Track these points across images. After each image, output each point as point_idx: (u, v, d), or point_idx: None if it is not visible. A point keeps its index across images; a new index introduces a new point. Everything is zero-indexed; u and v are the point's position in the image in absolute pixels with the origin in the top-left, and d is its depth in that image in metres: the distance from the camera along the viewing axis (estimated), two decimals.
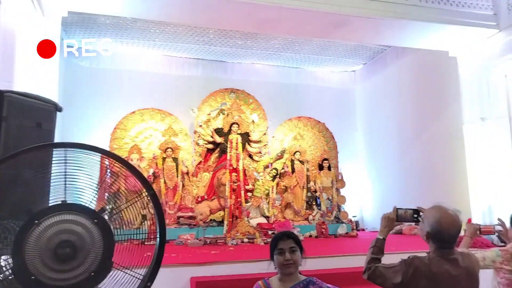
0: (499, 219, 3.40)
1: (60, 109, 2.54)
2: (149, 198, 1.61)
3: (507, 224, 3.17)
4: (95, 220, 1.48)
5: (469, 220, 6.03)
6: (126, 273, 1.57)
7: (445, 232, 2.07)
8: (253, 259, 5.30)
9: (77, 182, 1.52)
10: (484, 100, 7.12)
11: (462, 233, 3.41)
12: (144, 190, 1.62)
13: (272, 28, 6.85)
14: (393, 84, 10.34)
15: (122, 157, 7.74)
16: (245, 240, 7.52)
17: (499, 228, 3.25)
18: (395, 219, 2.38)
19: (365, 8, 6.29)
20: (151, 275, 1.61)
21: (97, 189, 1.55)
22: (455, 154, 7.89)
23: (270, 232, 8.31)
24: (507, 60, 6.78)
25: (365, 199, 11.28)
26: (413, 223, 2.41)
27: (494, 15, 6.94)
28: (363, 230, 10.62)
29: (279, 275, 2.28)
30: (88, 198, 1.54)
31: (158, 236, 1.62)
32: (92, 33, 9.31)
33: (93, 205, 1.54)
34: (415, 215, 2.38)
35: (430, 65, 8.89)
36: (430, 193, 8.72)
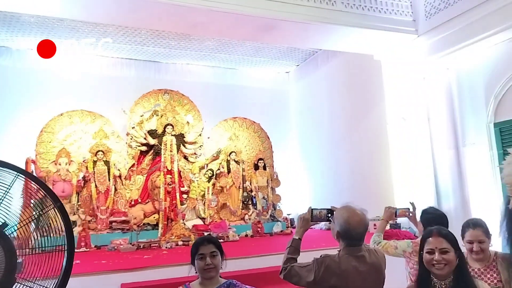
0: (411, 203, 3.69)
1: None
2: (56, 210, 1.56)
3: (418, 218, 3.42)
4: None
5: None
6: (31, 287, 1.52)
7: (353, 230, 2.22)
8: (186, 262, 5.27)
9: None
10: (405, 102, 7.59)
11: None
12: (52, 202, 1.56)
13: (203, 30, 6.83)
14: (324, 85, 10.72)
15: (47, 164, 7.29)
16: (180, 243, 7.46)
17: (411, 208, 3.56)
18: (309, 219, 2.49)
19: (293, 12, 6.46)
20: (60, 287, 1.58)
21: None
22: (381, 153, 8.35)
23: (206, 234, 8.32)
24: (425, 64, 7.29)
25: (300, 197, 11.60)
26: (328, 223, 2.54)
27: (413, 21, 7.42)
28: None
29: (200, 279, 2.33)
30: None
31: (66, 248, 1.58)
32: (15, 31, 8.81)
33: None
34: (329, 215, 2.50)
35: (358, 67, 9.32)
36: (360, 189, 9.17)
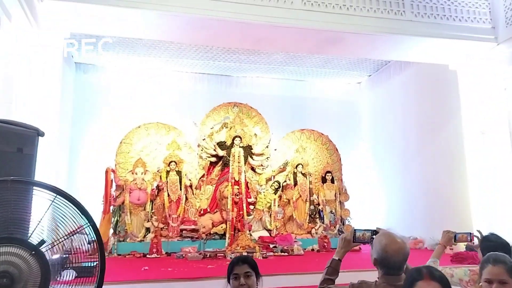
0: (478, 231, 3.35)
1: (42, 134, 2.70)
2: (90, 229, 1.70)
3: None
4: (33, 252, 1.58)
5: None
6: None
7: (391, 258, 2.12)
8: None
9: (19, 216, 1.63)
10: (484, 114, 7.07)
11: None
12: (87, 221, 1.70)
13: (268, 45, 6.98)
14: (397, 96, 10.33)
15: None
16: (244, 253, 7.56)
17: (476, 240, 3.21)
18: (351, 240, 2.42)
19: (359, 24, 6.35)
20: None
21: (38, 223, 1.65)
22: (457, 168, 7.84)
23: (271, 246, 8.37)
24: (506, 74, 6.74)
25: (372, 212, 11.21)
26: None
27: (492, 29, 6.92)
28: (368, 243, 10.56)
29: None
30: (29, 231, 1.65)
31: (98, 265, 1.71)
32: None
33: (34, 238, 1.65)
34: (373, 237, 2.40)
35: (432, 78, 8.87)
36: (434, 207, 8.67)
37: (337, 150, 10.42)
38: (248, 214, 9.08)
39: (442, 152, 8.50)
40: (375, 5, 6.46)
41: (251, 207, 9.21)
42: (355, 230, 2.46)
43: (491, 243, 2.87)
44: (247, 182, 9.33)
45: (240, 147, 9.38)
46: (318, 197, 9.71)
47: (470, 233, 3.28)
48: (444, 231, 3.27)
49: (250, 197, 9.25)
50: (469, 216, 7.27)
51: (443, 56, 7.37)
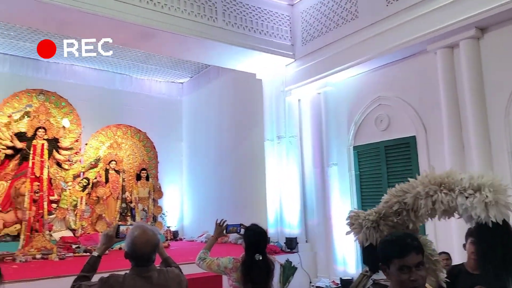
0: (241, 224, 3.63)
1: None
2: None
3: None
4: None
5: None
6: None
7: (138, 251, 2.18)
8: (28, 279, 4.91)
9: None
10: (281, 120, 7.90)
11: None
12: None
13: (75, 31, 6.48)
14: (214, 99, 10.79)
15: None
16: (38, 256, 6.90)
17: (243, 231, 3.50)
18: (114, 236, 2.42)
19: (172, 24, 6.42)
20: None
21: None
22: (259, 169, 8.57)
23: (74, 246, 7.83)
24: (300, 86, 7.67)
25: (185, 209, 11.49)
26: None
27: (291, 46, 7.80)
28: (181, 239, 10.78)
29: None
30: None
31: None
32: None
33: None
34: None
35: (244, 85, 9.52)
36: (240, 204, 9.31)
37: (154, 147, 10.37)
38: (50, 213, 8.31)
39: (249, 153, 9.20)
40: (189, 8, 6.63)
41: (54, 205, 8.45)
42: (119, 225, 2.47)
43: (251, 231, 3.22)
44: (51, 178, 8.52)
45: (44, 139, 8.51)
46: (131, 195, 9.48)
47: (240, 225, 3.60)
48: (217, 224, 3.53)
49: (53, 195, 8.47)
50: (266, 210, 8.02)
51: (250, 65, 7.98)
